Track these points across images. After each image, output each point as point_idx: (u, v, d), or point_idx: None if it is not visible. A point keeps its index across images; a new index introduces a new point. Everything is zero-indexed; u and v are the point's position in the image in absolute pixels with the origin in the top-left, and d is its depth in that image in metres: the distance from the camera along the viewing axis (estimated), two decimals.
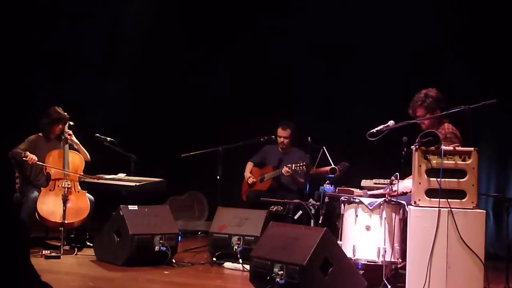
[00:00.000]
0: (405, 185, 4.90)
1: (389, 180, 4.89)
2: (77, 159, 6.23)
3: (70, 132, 6.23)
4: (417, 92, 5.12)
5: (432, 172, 4.19)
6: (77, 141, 6.29)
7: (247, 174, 6.92)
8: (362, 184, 5.32)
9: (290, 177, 6.48)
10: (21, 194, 6.08)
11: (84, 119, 6.50)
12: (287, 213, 6.03)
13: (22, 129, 6.41)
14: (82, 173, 6.19)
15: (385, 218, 4.84)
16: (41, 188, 5.98)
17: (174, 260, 5.51)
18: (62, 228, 5.74)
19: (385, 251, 4.80)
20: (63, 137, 6.20)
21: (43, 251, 5.55)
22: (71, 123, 6.28)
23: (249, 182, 6.83)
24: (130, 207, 5.56)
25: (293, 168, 6.23)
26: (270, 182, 6.70)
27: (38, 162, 5.97)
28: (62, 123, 6.21)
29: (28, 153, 5.96)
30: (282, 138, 6.76)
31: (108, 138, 6.70)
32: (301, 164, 6.13)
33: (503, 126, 6.78)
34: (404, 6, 7.03)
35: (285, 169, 6.34)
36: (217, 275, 5.33)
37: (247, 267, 4.99)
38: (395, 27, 7.08)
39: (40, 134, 6.28)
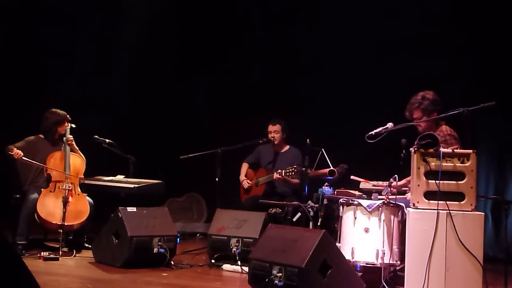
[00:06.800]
0: None
1: (387, 182, 4.89)
2: (78, 162, 6.21)
3: (71, 137, 6.20)
4: (414, 94, 5.13)
5: (430, 174, 4.19)
6: (76, 147, 6.26)
7: (242, 177, 6.90)
8: (360, 187, 5.32)
9: (283, 181, 6.49)
10: (21, 195, 6.06)
11: (83, 121, 6.49)
12: (286, 215, 6.02)
13: (22, 129, 6.39)
14: (83, 176, 6.19)
15: (383, 220, 4.84)
16: (41, 190, 5.95)
17: (172, 262, 5.51)
18: (61, 230, 5.73)
19: (384, 253, 4.80)
20: (64, 139, 6.18)
21: (42, 253, 5.54)
22: (73, 125, 6.26)
23: (245, 187, 6.82)
24: (129, 209, 5.55)
25: (283, 174, 6.23)
26: (265, 187, 6.69)
27: (26, 160, 5.90)
28: (63, 123, 6.21)
29: (14, 148, 5.90)
30: (272, 133, 6.75)
31: (107, 140, 6.69)
32: (291, 169, 6.13)
33: (502, 128, 6.78)
34: (403, 8, 7.04)
35: (275, 175, 6.33)
36: (215, 277, 5.33)
37: (246, 269, 4.98)
38: (394, 29, 7.08)
39: (41, 135, 6.26)
